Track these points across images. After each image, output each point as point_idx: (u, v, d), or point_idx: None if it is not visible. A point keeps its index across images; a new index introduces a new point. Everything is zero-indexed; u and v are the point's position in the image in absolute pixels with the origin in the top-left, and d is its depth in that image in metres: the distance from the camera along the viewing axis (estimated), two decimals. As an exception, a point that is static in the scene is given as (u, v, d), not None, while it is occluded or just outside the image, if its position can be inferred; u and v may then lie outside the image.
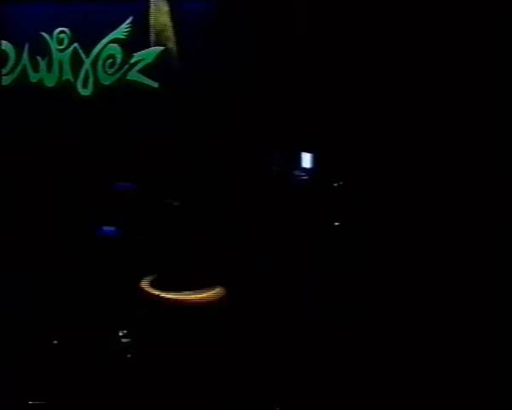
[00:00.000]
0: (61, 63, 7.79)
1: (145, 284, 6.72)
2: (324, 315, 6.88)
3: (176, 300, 6.56)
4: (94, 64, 7.72)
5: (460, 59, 6.78)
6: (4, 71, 7.81)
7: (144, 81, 7.59)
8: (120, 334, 7.16)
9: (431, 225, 6.79)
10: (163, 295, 6.60)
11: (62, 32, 7.77)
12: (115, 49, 7.66)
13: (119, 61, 7.66)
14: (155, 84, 7.57)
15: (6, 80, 7.82)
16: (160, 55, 7.54)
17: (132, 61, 7.63)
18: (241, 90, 7.31)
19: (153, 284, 6.70)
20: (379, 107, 6.96)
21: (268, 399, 6.39)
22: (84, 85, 7.74)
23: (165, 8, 7.44)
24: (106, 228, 7.48)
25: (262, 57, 7.26)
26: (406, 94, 6.91)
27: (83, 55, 7.75)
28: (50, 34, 7.79)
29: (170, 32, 7.44)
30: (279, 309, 6.95)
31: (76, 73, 7.76)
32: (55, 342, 7.15)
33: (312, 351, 6.72)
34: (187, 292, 6.59)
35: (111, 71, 7.69)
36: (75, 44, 7.76)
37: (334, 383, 6.58)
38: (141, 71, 7.61)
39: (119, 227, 7.49)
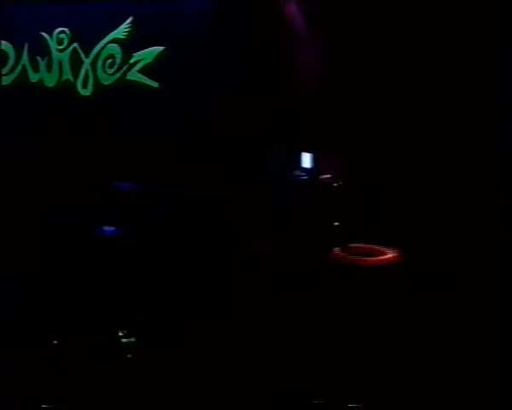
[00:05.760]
0: (60, 63, 7.79)
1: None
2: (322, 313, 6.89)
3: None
4: (94, 64, 7.72)
5: (459, 62, 6.80)
6: (4, 71, 7.81)
7: (144, 81, 7.59)
8: (120, 334, 7.17)
9: (431, 225, 6.80)
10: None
11: (62, 31, 7.77)
12: (115, 49, 7.66)
13: (118, 61, 7.66)
14: (155, 84, 7.57)
15: (6, 80, 7.81)
16: (160, 55, 7.54)
17: (132, 61, 7.63)
18: (241, 89, 7.31)
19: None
20: (379, 107, 6.96)
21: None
22: (84, 85, 7.74)
23: None
24: (106, 228, 7.48)
25: (262, 57, 7.26)
26: (406, 94, 6.91)
27: (82, 55, 7.75)
28: (50, 34, 7.79)
29: None
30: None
31: (76, 73, 7.76)
32: (55, 342, 7.16)
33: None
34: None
35: (111, 71, 7.69)
36: (75, 44, 7.76)
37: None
38: (141, 71, 7.60)
39: (119, 227, 7.49)
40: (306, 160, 7.34)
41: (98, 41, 7.69)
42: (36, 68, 7.81)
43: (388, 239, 6.74)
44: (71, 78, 7.77)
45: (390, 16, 6.92)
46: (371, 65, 6.97)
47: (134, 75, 7.62)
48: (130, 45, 7.63)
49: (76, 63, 7.76)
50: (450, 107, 6.81)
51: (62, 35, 7.76)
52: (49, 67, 7.80)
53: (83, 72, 7.74)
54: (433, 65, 6.84)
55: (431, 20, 6.82)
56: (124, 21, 7.61)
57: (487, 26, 6.64)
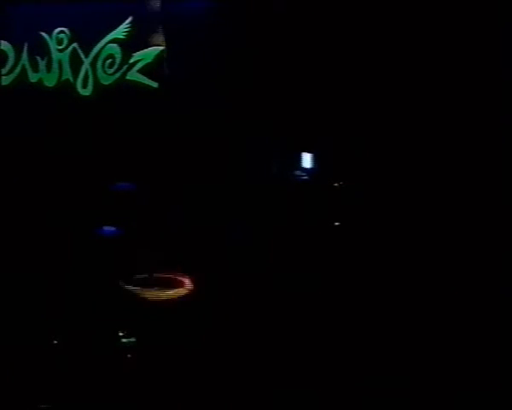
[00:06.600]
0: (60, 63, 7.79)
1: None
2: (323, 312, 6.90)
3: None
4: (93, 64, 7.73)
5: (460, 60, 6.81)
6: (4, 71, 7.81)
7: (144, 81, 7.59)
8: (120, 334, 7.17)
9: (431, 225, 6.81)
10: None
11: (62, 31, 7.77)
12: (114, 49, 7.67)
13: (118, 61, 7.67)
14: (155, 84, 7.57)
15: (5, 80, 7.82)
16: (160, 55, 7.55)
17: (132, 61, 7.64)
18: (240, 89, 7.31)
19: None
20: (379, 107, 6.98)
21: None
22: (84, 85, 7.74)
23: None
24: (106, 228, 7.49)
25: (262, 57, 7.26)
26: (406, 94, 6.92)
27: (82, 55, 7.75)
28: (50, 34, 7.79)
29: None
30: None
31: (75, 73, 7.76)
32: (55, 342, 7.15)
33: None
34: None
35: (110, 71, 7.69)
36: (74, 44, 7.76)
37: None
38: (140, 71, 7.61)
39: (119, 227, 7.49)
40: (306, 160, 7.36)
41: (98, 41, 7.69)
42: (35, 68, 7.82)
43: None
44: (70, 78, 7.77)
45: (390, 15, 6.95)
46: (372, 61, 6.98)
47: (134, 75, 7.62)
48: (130, 45, 7.63)
49: (76, 63, 7.76)
50: (451, 106, 6.83)
51: (62, 35, 7.77)
52: (48, 67, 7.81)
53: (82, 72, 7.74)
54: (436, 62, 6.85)
55: (433, 17, 6.85)
56: (124, 21, 7.61)
57: (489, 23, 6.66)
